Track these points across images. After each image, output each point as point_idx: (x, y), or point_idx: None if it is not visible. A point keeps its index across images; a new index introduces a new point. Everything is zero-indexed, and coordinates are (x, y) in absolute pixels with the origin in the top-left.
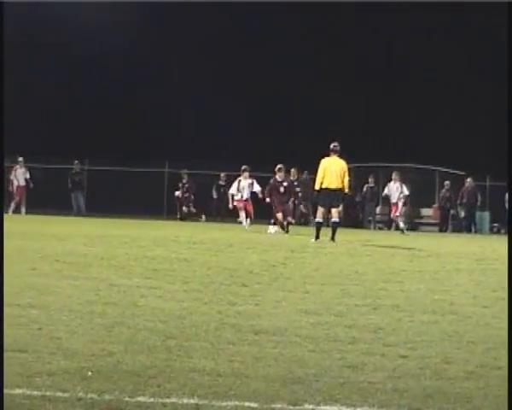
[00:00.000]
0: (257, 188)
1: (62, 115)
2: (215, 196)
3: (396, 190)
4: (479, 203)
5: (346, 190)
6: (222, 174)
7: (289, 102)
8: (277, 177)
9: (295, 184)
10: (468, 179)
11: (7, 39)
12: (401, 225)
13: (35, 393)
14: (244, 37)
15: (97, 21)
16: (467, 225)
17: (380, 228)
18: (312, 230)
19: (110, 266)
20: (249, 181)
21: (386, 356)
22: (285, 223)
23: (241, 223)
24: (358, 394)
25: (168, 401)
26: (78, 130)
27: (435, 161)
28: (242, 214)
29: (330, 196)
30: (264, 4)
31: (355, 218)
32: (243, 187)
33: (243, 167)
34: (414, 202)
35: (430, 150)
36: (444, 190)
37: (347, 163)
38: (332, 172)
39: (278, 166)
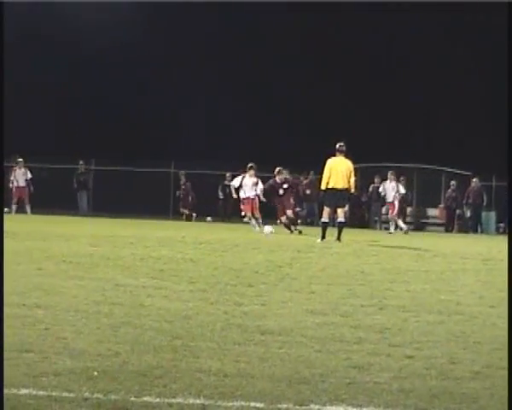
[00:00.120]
0: (260, 189)
1: (69, 115)
2: (221, 196)
3: (392, 189)
4: (485, 203)
5: (352, 190)
6: (227, 174)
7: (295, 103)
8: (277, 179)
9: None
10: (474, 179)
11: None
12: (401, 224)
13: (41, 393)
14: (247, 36)
15: (99, 21)
16: (473, 225)
17: (386, 228)
18: (318, 230)
19: (116, 267)
20: (254, 180)
21: (392, 356)
22: (284, 219)
23: (247, 222)
24: (364, 394)
25: (174, 401)
26: (83, 130)
27: (441, 161)
28: (253, 222)
29: (336, 196)
30: (266, 4)
31: (361, 218)
32: (246, 184)
33: (249, 165)
34: (420, 202)
35: (436, 150)
36: (450, 190)
37: (353, 163)
38: (338, 172)
39: (278, 168)
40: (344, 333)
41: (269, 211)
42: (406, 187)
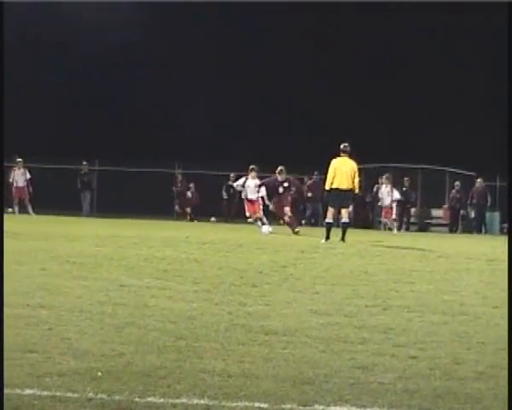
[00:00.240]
0: (263, 192)
1: (72, 116)
2: (225, 196)
3: (387, 194)
4: (489, 204)
5: (357, 191)
6: (231, 174)
7: (299, 103)
8: (278, 177)
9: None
10: (479, 180)
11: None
12: (394, 228)
13: (45, 393)
14: (249, 37)
15: (102, 21)
16: (477, 226)
17: (389, 229)
18: (322, 230)
19: (120, 267)
20: (256, 181)
21: (397, 357)
22: (287, 218)
23: (251, 223)
24: (368, 394)
25: (178, 401)
26: (87, 130)
27: (445, 161)
28: (259, 223)
29: (340, 197)
30: (266, 4)
31: (365, 218)
32: (249, 186)
33: (251, 167)
34: (424, 202)
35: (440, 151)
36: (454, 191)
37: (357, 163)
38: (343, 172)
39: (279, 167)
40: (348, 333)
41: (270, 211)
42: (410, 187)
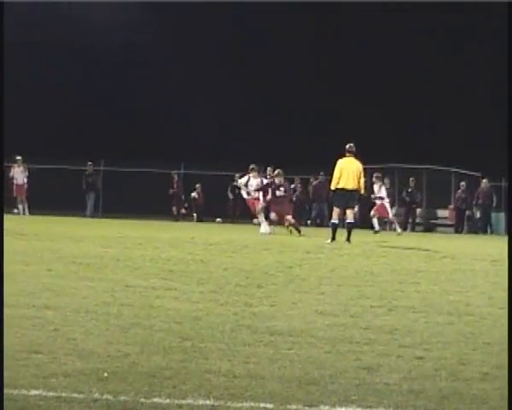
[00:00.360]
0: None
1: (78, 116)
2: (231, 196)
3: (377, 192)
4: (494, 204)
5: (362, 192)
6: (236, 175)
7: (304, 104)
8: (276, 180)
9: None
10: (484, 180)
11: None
12: (376, 225)
13: (51, 394)
14: (251, 36)
15: (108, 21)
16: (482, 226)
17: (393, 229)
18: (328, 231)
19: (126, 268)
20: (258, 180)
21: (402, 357)
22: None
23: (257, 224)
24: (374, 395)
25: (184, 402)
26: (92, 131)
27: (451, 161)
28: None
29: (346, 197)
30: (267, 4)
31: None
32: (251, 185)
33: (251, 166)
34: (430, 202)
35: (446, 151)
36: (459, 191)
37: (362, 164)
38: (349, 172)
39: (276, 170)
40: (354, 334)
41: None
42: (416, 188)
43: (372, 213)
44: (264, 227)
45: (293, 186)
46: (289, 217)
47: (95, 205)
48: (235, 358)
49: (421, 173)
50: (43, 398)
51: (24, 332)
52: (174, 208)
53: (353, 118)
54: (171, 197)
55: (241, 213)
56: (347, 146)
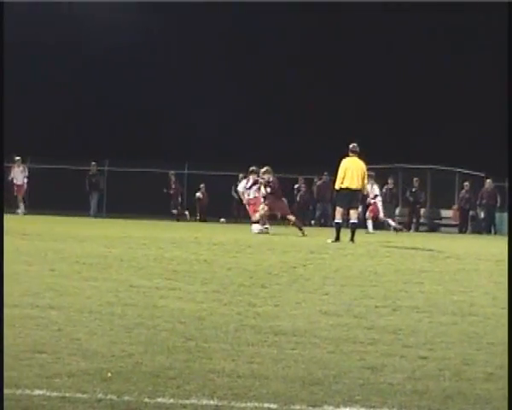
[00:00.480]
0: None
1: (82, 116)
2: (235, 196)
3: (370, 191)
4: (498, 204)
5: (365, 192)
6: (240, 175)
7: (306, 104)
8: (265, 177)
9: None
10: (488, 180)
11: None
12: (370, 226)
13: (54, 394)
14: (254, 36)
15: (108, 21)
16: (486, 227)
17: (399, 229)
18: (332, 231)
19: (129, 268)
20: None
21: (406, 357)
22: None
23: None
24: (378, 395)
25: (188, 402)
26: (97, 131)
27: (455, 161)
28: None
29: (349, 197)
30: (266, 4)
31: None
32: (252, 187)
33: (251, 169)
34: (434, 203)
35: (450, 151)
36: (463, 192)
37: (366, 164)
38: (353, 172)
39: (264, 168)
40: (357, 334)
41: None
42: (419, 188)
43: (367, 214)
44: (256, 226)
45: (297, 186)
46: (291, 217)
47: (98, 205)
48: (239, 358)
49: (425, 173)
50: (47, 398)
51: (28, 332)
52: (174, 210)
53: (357, 118)
54: (169, 197)
55: (245, 213)
56: (351, 146)
